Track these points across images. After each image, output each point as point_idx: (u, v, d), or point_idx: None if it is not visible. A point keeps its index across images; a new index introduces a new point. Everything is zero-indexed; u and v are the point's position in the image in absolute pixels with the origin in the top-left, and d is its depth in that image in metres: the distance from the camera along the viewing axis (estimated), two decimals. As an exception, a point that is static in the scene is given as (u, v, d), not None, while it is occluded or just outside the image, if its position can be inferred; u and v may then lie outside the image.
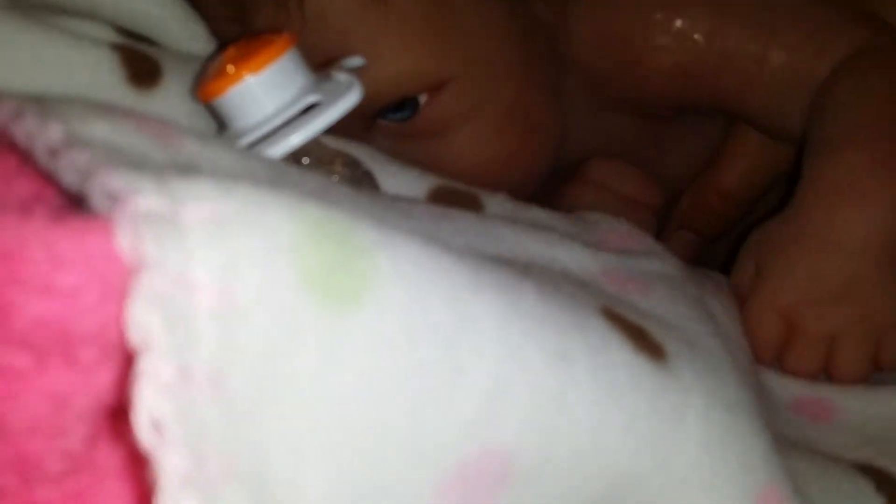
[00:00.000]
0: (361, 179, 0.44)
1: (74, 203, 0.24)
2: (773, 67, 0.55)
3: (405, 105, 0.52)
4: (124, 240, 0.22)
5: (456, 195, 0.47)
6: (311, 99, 0.41)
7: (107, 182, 0.23)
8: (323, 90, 0.41)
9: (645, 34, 0.56)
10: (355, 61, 0.46)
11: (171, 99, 0.44)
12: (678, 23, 0.56)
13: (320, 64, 0.47)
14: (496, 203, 0.47)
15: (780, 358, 0.48)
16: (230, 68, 0.41)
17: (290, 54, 0.42)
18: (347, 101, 0.40)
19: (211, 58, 0.45)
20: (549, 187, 0.59)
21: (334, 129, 0.46)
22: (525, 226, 0.42)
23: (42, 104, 0.29)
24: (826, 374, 0.48)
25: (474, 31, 0.52)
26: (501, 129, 0.54)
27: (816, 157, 0.50)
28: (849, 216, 0.47)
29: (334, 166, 0.44)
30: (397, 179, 0.46)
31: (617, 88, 0.58)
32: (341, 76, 0.41)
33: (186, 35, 0.50)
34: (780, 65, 0.55)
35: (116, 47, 0.43)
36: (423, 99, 0.52)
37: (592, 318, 0.31)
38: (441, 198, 0.46)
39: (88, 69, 0.41)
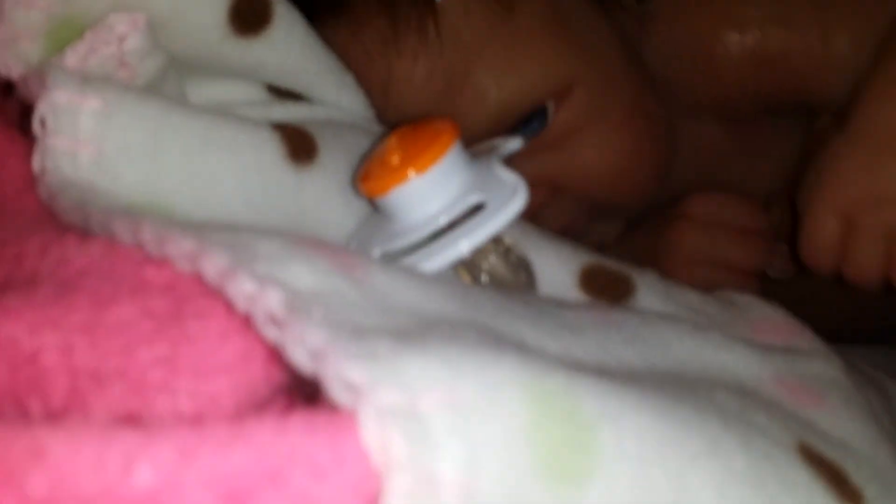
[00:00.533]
0: (517, 267, 0.44)
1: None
2: (836, 44, 0.56)
3: (534, 118, 0.54)
4: (372, 439, 0.22)
5: (609, 277, 0.46)
6: (476, 199, 0.40)
7: (344, 372, 0.23)
8: (487, 188, 0.41)
9: (713, 30, 0.58)
10: (513, 144, 0.45)
11: (327, 173, 0.44)
12: (742, 12, 0.57)
13: (457, 84, 0.52)
14: (648, 285, 0.46)
15: (841, 260, 0.50)
16: (395, 164, 0.41)
17: (455, 149, 0.41)
18: (515, 206, 0.39)
19: (374, 145, 0.44)
20: (651, 226, 0.59)
21: None
22: (686, 326, 0.41)
23: (238, 245, 0.30)
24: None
25: (590, 38, 0.56)
26: (626, 128, 0.56)
27: (872, 70, 0.52)
28: None
29: (489, 256, 0.43)
30: (549, 259, 0.45)
31: (695, 91, 0.60)
32: (504, 174, 0.41)
33: (338, 84, 0.50)
34: (842, 41, 0.56)
35: (277, 128, 0.44)
36: (551, 107, 0.54)
37: (794, 466, 0.30)
38: (595, 280, 0.46)
39: (254, 149, 0.41)
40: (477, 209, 0.41)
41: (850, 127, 0.50)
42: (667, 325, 0.40)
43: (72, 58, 0.41)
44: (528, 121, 0.54)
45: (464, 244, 0.39)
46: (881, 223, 0.49)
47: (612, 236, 0.62)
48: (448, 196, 0.41)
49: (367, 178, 0.41)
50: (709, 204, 0.61)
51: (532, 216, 0.55)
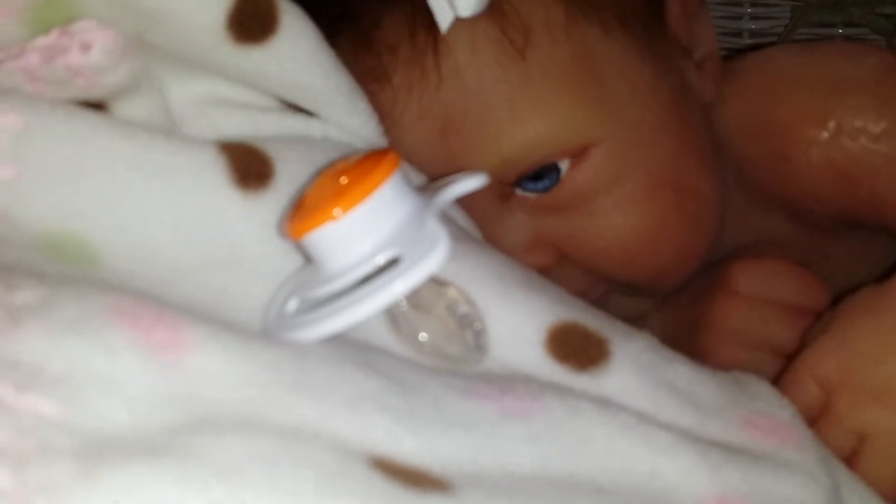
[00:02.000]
0: (464, 325, 0.39)
1: None
2: None
3: (545, 173, 0.49)
4: None
5: (582, 338, 0.40)
6: (390, 254, 0.36)
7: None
8: (409, 240, 0.36)
9: (796, 122, 0.50)
10: (469, 183, 0.40)
11: (282, 199, 0.41)
12: (836, 115, 0.48)
13: (454, 128, 0.47)
14: (628, 354, 0.39)
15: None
16: (313, 205, 0.37)
17: (385, 189, 0.37)
18: (423, 268, 0.34)
19: (312, 179, 0.41)
20: (693, 295, 0.51)
21: (466, 204, 0.46)
22: (630, 421, 0.34)
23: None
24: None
25: (620, 92, 0.49)
26: (650, 199, 0.49)
27: None
28: None
29: (436, 310, 0.39)
30: (515, 312, 0.40)
31: (766, 182, 0.52)
32: (432, 225, 0.36)
33: (350, 109, 0.46)
34: None
35: (225, 148, 0.41)
36: (564, 166, 0.49)
37: None
38: (565, 341, 0.40)
39: (190, 174, 0.39)
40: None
41: (880, 291, 0.42)
42: (601, 417, 0.34)
43: (33, 56, 0.40)
44: (537, 175, 0.48)
45: (357, 311, 0.34)
46: (854, 420, 0.41)
47: (642, 310, 0.54)
48: (365, 247, 0.37)
49: (289, 218, 0.38)
50: (759, 275, 0.52)
51: None
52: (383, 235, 0.36)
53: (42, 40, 0.40)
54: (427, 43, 0.47)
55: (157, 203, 0.38)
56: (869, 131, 0.48)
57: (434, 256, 0.35)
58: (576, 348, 0.39)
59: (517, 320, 0.40)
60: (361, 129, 0.47)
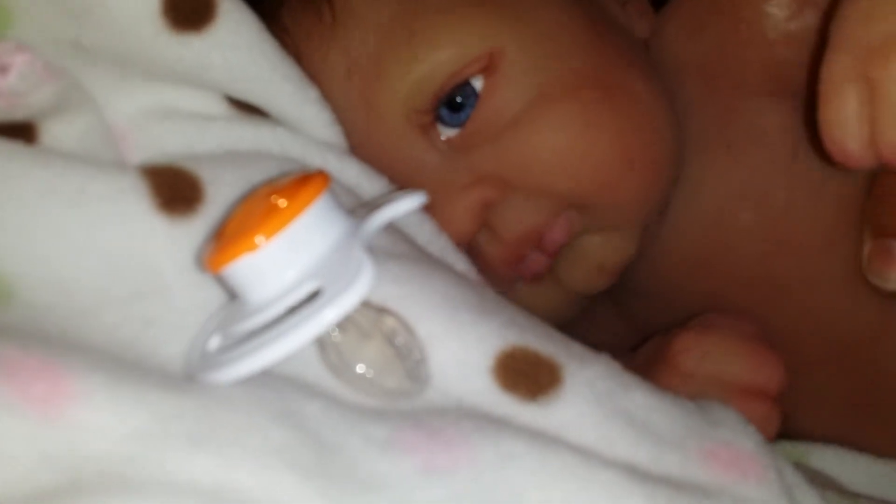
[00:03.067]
0: (402, 356, 0.36)
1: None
2: None
3: (463, 98, 0.47)
4: None
5: (532, 364, 0.37)
6: (312, 285, 0.33)
7: None
8: (333, 269, 0.33)
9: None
10: (405, 203, 0.37)
11: (213, 223, 0.39)
12: None
13: (369, 71, 0.46)
14: (582, 381, 0.37)
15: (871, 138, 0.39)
16: (231, 237, 0.34)
17: (306, 217, 0.34)
18: (344, 300, 0.32)
19: (235, 205, 0.38)
20: (643, 359, 0.48)
21: (398, 164, 0.46)
22: (572, 462, 0.32)
23: None
24: None
25: (521, 4, 0.48)
26: (573, 98, 0.48)
27: None
28: None
29: (372, 340, 0.36)
30: (462, 336, 0.37)
31: (714, 69, 0.51)
32: (357, 252, 0.33)
33: (300, 98, 0.45)
34: None
35: (148, 173, 0.39)
36: (478, 84, 0.47)
37: None
38: (513, 366, 0.37)
39: (109, 201, 0.37)
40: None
41: None
42: (537, 463, 0.32)
43: None
44: (453, 102, 0.47)
45: (277, 348, 0.32)
46: None
47: (623, 255, 0.51)
48: (286, 278, 0.34)
49: (207, 249, 0.35)
50: (703, 351, 0.47)
51: (483, 224, 0.47)
52: (307, 265, 0.34)
53: None
54: None
55: (75, 232, 0.36)
56: None
57: (356, 286, 0.32)
58: (525, 376, 0.37)
59: (464, 346, 0.37)
60: (316, 119, 0.45)
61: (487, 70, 0.47)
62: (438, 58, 0.47)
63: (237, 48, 0.42)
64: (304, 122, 0.45)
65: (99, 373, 0.30)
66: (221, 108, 0.44)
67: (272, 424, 0.30)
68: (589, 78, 0.48)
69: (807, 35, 0.49)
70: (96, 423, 0.28)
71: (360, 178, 0.45)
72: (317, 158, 0.44)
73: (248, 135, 0.43)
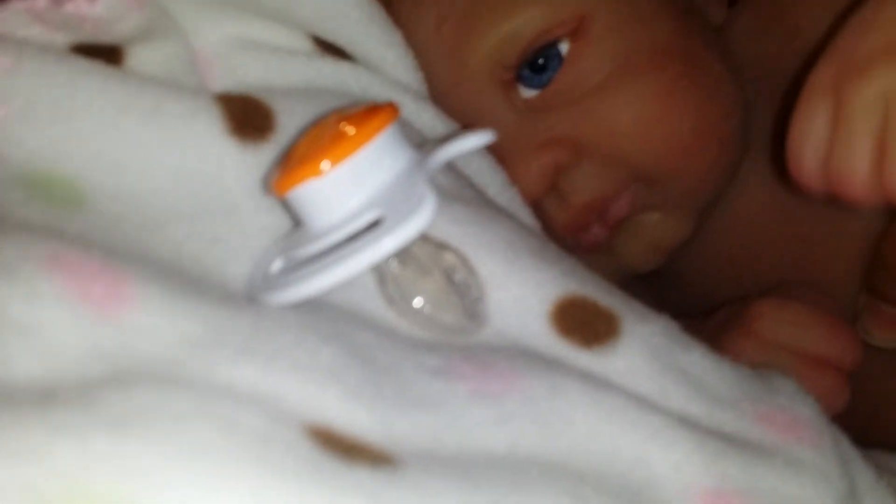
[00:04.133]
0: (460, 293, 0.36)
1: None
2: None
3: (547, 60, 0.48)
4: None
5: (590, 313, 0.37)
6: (374, 215, 0.33)
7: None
8: (395, 200, 0.33)
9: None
10: (471, 140, 0.37)
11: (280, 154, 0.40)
12: None
13: (461, 26, 0.46)
14: (640, 335, 0.36)
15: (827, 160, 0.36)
16: (298, 160, 0.35)
17: (373, 146, 0.34)
18: (402, 231, 0.32)
19: (303, 132, 0.39)
20: (715, 324, 0.47)
21: (479, 117, 0.47)
22: (620, 403, 0.31)
23: None
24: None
25: None
26: (657, 68, 0.48)
27: None
28: None
29: (431, 275, 0.36)
30: (520, 282, 0.37)
31: (769, 75, 0.49)
32: (420, 185, 0.33)
33: (385, 41, 0.46)
34: None
35: (220, 99, 0.39)
36: (564, 48, 0.48)
37: None
38: (571, 315, 0.37)
39: (183, 119, 0.38)
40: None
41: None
42: (588, 398, 0.32)
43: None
44: (538, 64, 0.47)
45: (326, 277, 0.32)
46: (869, 93, 0.33)
47: (677, 236, 0.50)
48: (350, 204, 0.34)
49: (275, 174, 0.36)
50: (779, 318, 0.46)
51: (553, 186, 0.47)
52: (371, 193, 0.34)
53: None
54: None
55: (150, 146, 0.37)
56: None
57: (417, 217, 0.32)
58: (583, 323, 0.36)
59: (523, 289, 0.37)
60: (398, 63, 0.46)
61: (576, 34, 0.47)
62: (529, 14, 0.47)
63: None
64: (386, 65, 0.46)
65: (158, 281, 0.30)
66: (306, 44, 0.44)
67: (323, 343, 0.30)
68: (674, 52, 0.49)
69: None
70: (149, 325, 0.29)
71: (434, 122, 0.45)
72: (394, 98, 0.45)
73: (328, 71, 0.44)
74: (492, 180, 0.45)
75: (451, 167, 0.43)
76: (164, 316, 0.29)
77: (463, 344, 0.35)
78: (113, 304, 0.28)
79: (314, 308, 0.33)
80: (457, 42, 0.47)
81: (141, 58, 0.40)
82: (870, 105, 0.32)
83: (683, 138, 0.48)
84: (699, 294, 0.55)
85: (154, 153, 0.37)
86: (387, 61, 0.46)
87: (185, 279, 0.32)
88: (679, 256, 0.53)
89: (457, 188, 0.41)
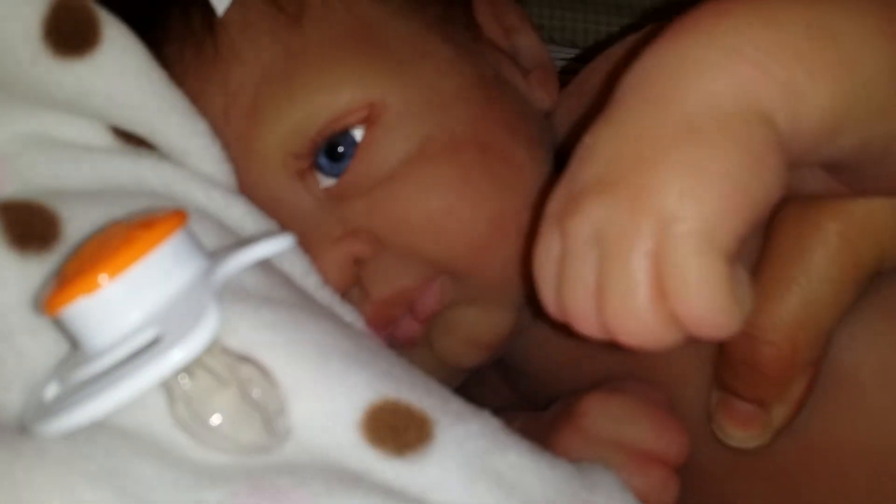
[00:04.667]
0: (258, 408, 0.34)
1: None
2: None
3: (342, 146, 0.45)
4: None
5: (402, 418, 0.35)
6: (152, 332, 0.31)
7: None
8: (176, 315, 0.31)
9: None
10: (270, 245, 0.35)
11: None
12: None
13: (247, 110, 0.45)
14: (454, 438, 0.34)
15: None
16: (67, 277, 0.32)
17: (154, 257, 0.32)
18: (181, 349, 0.29)
19: (80, 244, 0.36)
20: (545, 419, 0.46)
21: (273, 206, 0.44)
22: None
23: None
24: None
25: (408, 57, 0.47)
26: (450, 157, 0.46)
27: None
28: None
29: (226, 389, 0.34)
30: (331, 386, 0.35)
31: None
32: (203, 298, 0.31)
33: (188, 130, 0.42)
34: None
35: (2, 208, 0.36)
36: (359, 135, 0.45)
37: None
38: (382, 421, 0.35)
39: None
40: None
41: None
42: None
43: None
44: (333, 151, 0.45)
45: (96, 405, 0.29)
46: (583, 227, 0.30)
47: (496, 332, 0.49)
48: (137, 317, 0.32)
49: (47, 294, 0.33)
50: (608, 411, 0.45)
51: (351, 280, 0.45)
52: (151, 308, 0.32)
53: None
54: (202, 21, 0.45)
55: None
56: None
57: (196, 335, 0.30)
58: (394, 430, 0.35)
59: (332, 397, 0.35)
60: (203, 154, 0.43)
61: (367, 121, 0.45)
62: (316, 103, 0.45)
63: (122, 74, 0.40)
64: (191, 156, 0.43)
65: None
66: (103, 138, 0.42)
67: (87, 485, 0.28)
68: (469, 139, 0.46)
69: None
70: None
71: (245, 218, 0.43)
72: (200, 195, 0.42)
73: (127, 167, 0.41)
74: (306, 277, 0.43)
75: (264, 263, 0.41)
76: None
77: (261, 464, 0.33)
78: None
79: (91, 438, 0.30)
80: (246, 131, 0.45)
81: None
82: (586, 241, 0.30)
83: (479, 231, 0.45)
84: (546, 382, 0.52)
85: None
86: (191, 153, 0.43)
87: None
88: (515, 348, 0.51)
89: (267, 288, 0.39)
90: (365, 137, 0.45)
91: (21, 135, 0.40)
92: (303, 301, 0.40)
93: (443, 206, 0.45)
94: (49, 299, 0.32)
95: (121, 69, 0.40)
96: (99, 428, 0.31)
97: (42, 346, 0.34)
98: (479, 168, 0.46)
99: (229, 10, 0.45)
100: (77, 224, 0.37)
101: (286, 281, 0.41)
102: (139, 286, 0.32)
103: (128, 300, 0.31)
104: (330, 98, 0.45)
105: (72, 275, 0.32)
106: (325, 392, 0.35)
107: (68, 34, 0.39)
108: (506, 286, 0.47)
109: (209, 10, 0.44)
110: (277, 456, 0.34)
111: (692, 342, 0.30)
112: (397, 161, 0.45)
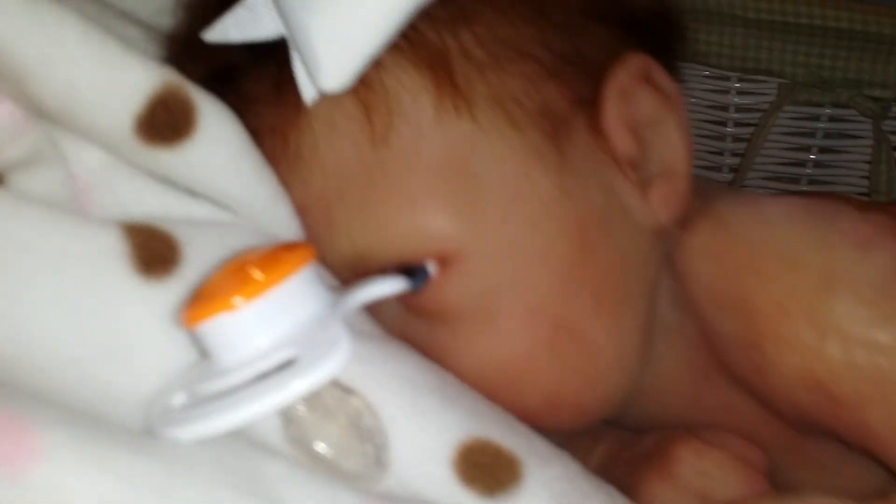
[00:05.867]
0: (366, 438, 0.36)
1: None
2: None
3: (414, 272, 0.42)
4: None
5: (493, 458, 0.37)
6: (288, 353, 0.33)
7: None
8: (310, 340, 0.33)
9: (776, 316, 0.41)
10: (386, 286, 0.37)
11: (186, 287, 0.38)
12: (823, 319, 0.40)
13: (319, 215, 0.42)
14: (543, 480, 0.36)
15: None
16: (212, 294, 0.34)
17: (289, 284, 0.34)
18: (319, 372, 0.32)
19: (218, 266, 0.38)
20: (639, 451, 0.47)
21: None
22: None
23: None
24: None
25: (499, 203, 0.42)
26: (519, 332, 0.42)
27: None
28: None
29: (337, 419, 0.36)
30: (424, 425, 0.37)
31: (733, 361, 0.44)
32: (335, 327, 0.33)
33: (269, 216, 0.42)
34: None
35: (130, 230, 0.37)
36: (432, 269, 0.42)
37: None
38: (475, 460, 0.37)
39: (89, 262, 0.36)
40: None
41: None
42: None
43: None
44: (405, 271, 0.41)
45: (237, 414, 0.32)
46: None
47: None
48: (262, 342, 0.34)
49: (186, 306, 0.35)
50: (699, 464, 0.44)
51: None
52: (284, 332, 0.34)
53: None
54: (292, 112, 0.42)
55: (48, 291, 0.35)
56: (858, 346, 0.40)
57: (332, 360, 0.32)
58: (485, 469, 0.36)
59: (425, 434, 0.37)
60: (282, 235, 0.42)
61: (441, 260, 0.41)
62: (389, 236, 0.42)
63: (209, 166, 0.40)
64: (277, 218, 0.43)
65: (64, 428, 0.29)
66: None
67: (234, 495, 0.30)
68: (544, 312, 0.43)
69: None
70: (60, 483, 0.28)
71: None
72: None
73: (210, 211, 0.41)
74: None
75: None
76: (75, 471, 0.28)
77: (366, 491, 0.35)
78: (21, 461, 0.28)
79: (223, 444, 0.32)
80: (318, 234, 0.43)
81: (21, 186, 0.38)
82: None
83: (528, 405, 0.42)
84: (655, 413, 0.50)
85: (52, 298, 0.35)
86: (270, 231, 0.42)
87: (87, 423, 0.31)
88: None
89: (356, 322, 0.41)
90: (436, 277, 0.42)
91: (110, 164, 0.40)
92: (385, 335, 0.42)
93: (497, 374, 0.42)
94: (189, 312, 0.34)
95: (209, 161, 0.39)
96: (234, 438, 0.33)
97: (158, 366, 0.36)
98: (547, 349, 0.43)
99: (320, 104, 0.41)
100: (195, 248, 0.39)
101: (368, 315, 0.43)
102: (275, 309, 0.34)
103: (264, 322, 0.34)
104: (404, 236, 0.41)
105: (211, 293, 0.34)
106: (419, 428, 0.37)
107: (162, 127, 0.38)
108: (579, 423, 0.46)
109: (299, 98, 0.41)
110: (378, 487, 0.35)
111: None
112: (464, 308, 0.42)
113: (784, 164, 0.76)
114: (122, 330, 0.36)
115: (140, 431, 0.34)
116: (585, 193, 0.43)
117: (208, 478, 0.30)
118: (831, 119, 0.73)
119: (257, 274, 0.34)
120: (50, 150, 0.39)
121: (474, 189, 0.42)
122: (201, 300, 0.35)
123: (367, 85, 0.41)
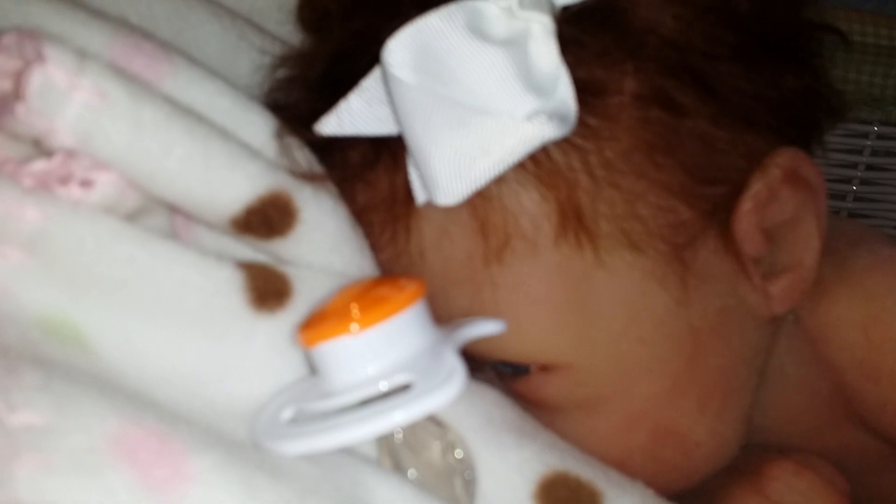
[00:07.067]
0: (455, 468, 0.37)
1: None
2: None
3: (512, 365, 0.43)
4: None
5: (572, 491, 0.38)
6: (401, 380, 0.35)
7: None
8: (423, 369, 0.35)
9: None
10: (490, 326, 0.39)
11: (296, 318, 0.40)
12: None
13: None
14: None
15: None
16: (331, 316, 0.36)
17: (406, 314, 0.36)
18: (433, 400, 0.33)
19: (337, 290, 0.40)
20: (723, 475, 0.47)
21: None
22: None
23: None
24: None
25: (609, 323, 0.41)
26: (617, 435, 0.43)
27: None
28: None
29: (430, 450, 0.37)
30: (506, 459, 0.38)
31: (877, 424, 0.45)
32: (447, 356, 0.35)
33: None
34: None
35: (243, 266, 0.39)
36: (533, 368, 0.43)
37: None
38: (554, 492, 0.38)
39: (205, 293, 0.37)
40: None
41: None
42: None
43: (27, 181, 0.36)
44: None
45: (357, 430, 0.33)
46: None
47: None
48: (378, 367, 0.36)
49: (303, 326, 0.37)
50: (792, 485, 0.46)
51: None
52: (397, 360, 0.36)
53: (40, 164, 0.36)
54: (403, 209, 0.42)
55: (164, 316, 0.36)
56: None
57: (446, 390, 0.33)
58: (567, 502, 0.38)
59: (507, 470, 0.38)
60: None
61: (545, 367, 0.42)
62: (492, 346, 0.41)
63: (311, 253, 0.41)
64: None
65: (208, 452, 0.31)
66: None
67: None
68: (646, 423, 0.43)
69: None
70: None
71: None
72: None
73: None
74: None
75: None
76: (225, 492, 0.30)
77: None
78: (175, 485, 0.30)
79: (334, 464, 0.34)
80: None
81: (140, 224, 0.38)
82: None
83: (646, 479, 0.42)
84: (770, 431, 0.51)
85: (167, 322, 0.36)
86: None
87: (228, 444, 0.33)
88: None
89: None
90: (537, 378, 0.42)
91: None
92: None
93: (592, 453, 0.42)
94: (309, 333, 0.36)
95: (309, 248, 0.40)
96: (339, 455, 0.34)
97: (261, 392, 0.37)
98: (643, 452, 0.43)
99: (432, 209, 0.40)
100: (304, 283, 0.40)
101: None
102: (393, 338, 0.35)
103: (381, 348, 0.35)
104: (509, 347, 0.41)
105: (330, 315, 0.36)
106: (500, 463, 0.38)
107: (259, 226, 0.39)
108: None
109: (411, 199, 0.41)
110: (465, 518, 0.37)
111: None
112: (564, 403, 0.43)
113: (830, 180, 0.75)
114: (232, 355, 0.37)
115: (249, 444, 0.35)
116: (704, 300, 0.42)
117: (332, 500, 0.31)
118: (879, 137, 0.74)
119: (378, 300, 0.36)
120: (154, 206, 0.39)
121: (587, 313, 0.41)
122: (321, 321, 0.36)
123: (485, 199, 0.40)
